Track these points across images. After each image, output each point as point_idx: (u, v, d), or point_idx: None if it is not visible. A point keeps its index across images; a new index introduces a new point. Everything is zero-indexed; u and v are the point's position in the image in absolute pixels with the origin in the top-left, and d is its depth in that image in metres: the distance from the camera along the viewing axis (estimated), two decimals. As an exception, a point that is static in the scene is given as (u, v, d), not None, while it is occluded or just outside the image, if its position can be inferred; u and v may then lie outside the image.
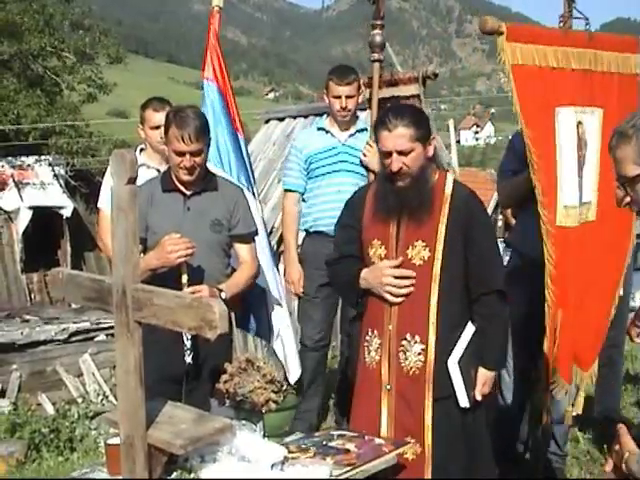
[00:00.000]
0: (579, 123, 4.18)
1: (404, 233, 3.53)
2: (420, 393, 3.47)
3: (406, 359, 3.49)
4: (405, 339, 3.49)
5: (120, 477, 2.63)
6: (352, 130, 5.23)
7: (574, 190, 4.17)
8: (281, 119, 10.64)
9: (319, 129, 5.29)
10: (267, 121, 10.90)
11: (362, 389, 3.64)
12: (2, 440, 7.57)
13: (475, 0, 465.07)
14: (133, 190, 2.42)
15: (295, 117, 10.37)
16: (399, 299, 3.49)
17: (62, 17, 22.30)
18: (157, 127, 4.68)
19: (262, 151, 10.18)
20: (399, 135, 3.43)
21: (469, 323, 3.56)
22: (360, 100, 5.22)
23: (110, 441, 2.86)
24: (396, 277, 3.48)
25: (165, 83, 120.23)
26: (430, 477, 3.45)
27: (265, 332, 5.23)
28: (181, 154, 3.87)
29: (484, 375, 3.55)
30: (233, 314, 5.36)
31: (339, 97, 5.09)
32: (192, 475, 2.70)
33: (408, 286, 3.47)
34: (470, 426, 3.57)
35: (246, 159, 5.26)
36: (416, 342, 3.47)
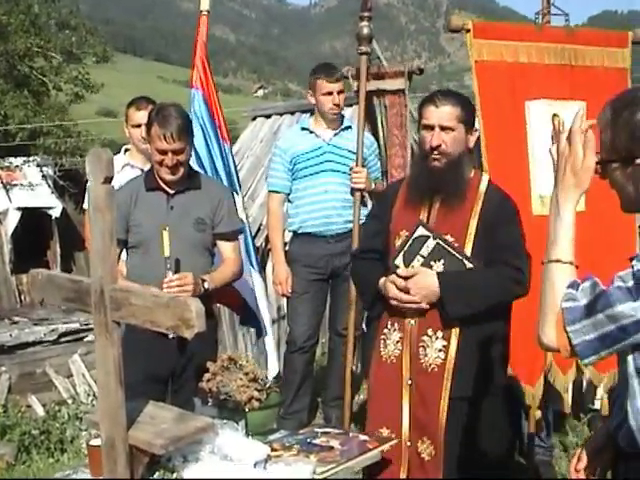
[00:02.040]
0: (554, 115, 4.20)
1: (434, 225, 3.49)
2: (437, 391, 3.42)
3: (426, 355, 3.44)
4: (426, 335, 3.45)
5: (102, 478, 2.62)
6: (337, 129, 5.22)
7: (550, 180, 4.17)
8: (268, 116, 10.64)
9: (303, 129, 5.28)
10: (254, 118, 10.91)
11: (380, 384, 3.59)
12: (-8, 442, 7.55)
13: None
14: (109, 190, 2.41)
15: (282, 114, 10.38)
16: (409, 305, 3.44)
17: (48, 17, 22.24)
18: (138, 125, 4.68)
19: (249, 148, 10.18)
20: (445, 111, 3.44)
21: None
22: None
23: (92, 442, 2.85)
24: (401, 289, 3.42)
25: (154, 82, 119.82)
26: (442, 477, 3.40)
27: (259, 328, 5.34)
28: (163, 152, 3.86)
29: (427, 280, 3.37)
30: (235, 314, 5.43)
31: (330, 94, 5.07)
32: (174, 475, 2.69)
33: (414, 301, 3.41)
34: (485, 427, 3.50)
35: (232, 168, 5.29)
36: (437, 338, 3.42)
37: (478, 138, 3.68)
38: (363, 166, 4.95)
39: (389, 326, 3.55)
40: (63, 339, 10.42)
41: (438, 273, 3.38)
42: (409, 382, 3.47)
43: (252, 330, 9.07)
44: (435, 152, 3.46)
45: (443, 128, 3.44)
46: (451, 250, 3.41)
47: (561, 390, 4.45)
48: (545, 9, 4.41)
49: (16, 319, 11.21)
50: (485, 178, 3.61)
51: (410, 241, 3.43)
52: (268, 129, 10.32)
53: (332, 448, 3.08)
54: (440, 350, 3.42)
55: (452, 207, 3.46)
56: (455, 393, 3.40)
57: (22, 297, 16.03)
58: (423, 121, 3.51)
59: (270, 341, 5.39)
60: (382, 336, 3.57)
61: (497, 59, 4.16)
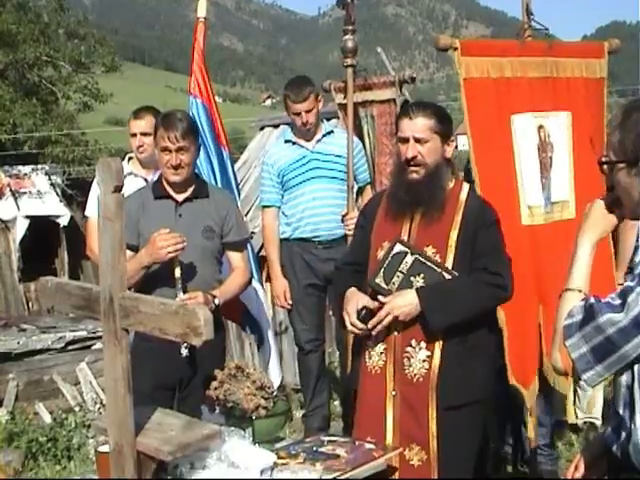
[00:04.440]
0: (540, 127, 4.33)
1: (415, 237, 3.52)
2: (424, 401, 3.43)
3: (410, 366, 3.46)
4: (410, 345, 3.46)
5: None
6: (318, 136, 5.28)
7: (537, 191, 4.34)
8: (276, 126, 10.66)
9: (286, 141, 5.36)
10: (262, 128, 10.93)
11: (366, 395, 3.61)
12: (-1, 449, 7.57)
13: (471, 5, 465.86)
14: (119, 199, 2.43)
15: (289, 123, 10.39)
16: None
17: (57, 26, 22.33)
18: (134, 134, 4.75)
19: (257, 158, 10.18)
20: (419, 123, 3.48)
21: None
22: (321, 106, 5.28)
23: (100, 448, 2.87)
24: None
25: (162, 91, 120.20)
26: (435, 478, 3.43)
27: (261, 336, 5.41)
28: (168, 151, 3.92)
29: (405, 298, 3.41)
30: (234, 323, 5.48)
31: (298, 114, 5.14)
32: (181, 482, 2.71)
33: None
34: (476, 435, 3.55)
35: (231, 175, 5.33)
36: (421, 349, 3.44)
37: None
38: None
39: (373, 337, 3.56)
40: (70, 347, 10.40)
41: (417, 288, 3.42)
42: (393, 393, 3.50)
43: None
44: (412, 164, 3.50)
45: (418, 140, 3.48)
46: (429, 264, 3.44)
47: (564, 393, 4.46)
48: (526, 23, 4.49)
49: (24, 327, 11.20)
50: (465, 187, 3.64)
51: (389, 258, 3.45)
52: (275, 139, 10.34)
53: (338, 456, 3.08)
54: (424, 361, 3.44)
55: (432, 218, 3.50)
56: (442, 402, 3.42)
57: (30, 305, 16.06)
58: (398, 134, 3.57)
59: (273, 352, 5.44)
60: (367, 347, 3.60)
61: (484, 75, 4.24)
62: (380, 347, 3.54)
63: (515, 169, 4.28)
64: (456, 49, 4.20)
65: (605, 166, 2.24)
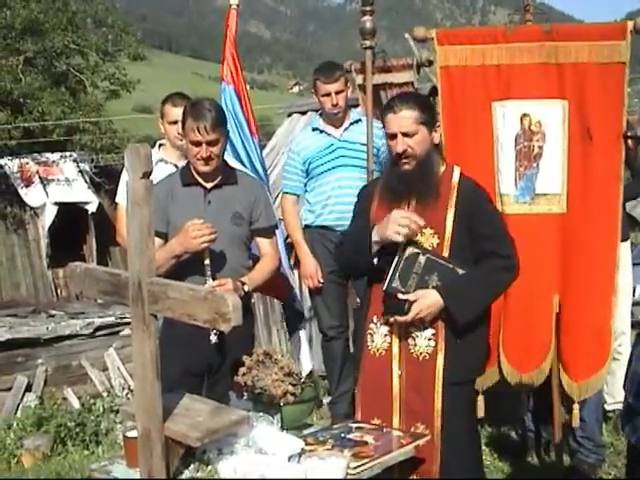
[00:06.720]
0: (524, 115, 4.25)
1: None
2: (431, 378, 3.50)
3: (415, 345, 3.53)
4: (414, 325, 3.52)
5: (138, 469, 2.66)
6: (346, 124, 5.27)
7: (510, 180, 4.29)
8: (303, 112, 10.65)
9: (314, 130, 5.34)
10: (289, 115, 10.93)
11: (369, 377, 3.66)
12: (29, 434, 7.67)
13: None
14: (148, 184, 2.44)
15: (317, 110, 10.38)
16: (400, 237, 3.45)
17: (84, 15, 22.41)
18: (175, 122, 4.70)
19: (285, 145, 10.19)
20: (403, 117, 3.53)
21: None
22: (350, 94, 5.26)
23: (128, 434, 2.88)
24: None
25: (190, 78, 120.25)
26: (439, 463, 3.47)
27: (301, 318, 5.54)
28: (198, 144, 3.89)
29: (430, 299, 3.46)
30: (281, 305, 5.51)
31: (328, 95, 5.12)
32: (209, 467, 2.71)
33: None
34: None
35: (259, 163, 5.34)
36: (427, 327, 3.50)
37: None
38: (376, 156, 5.01)
39: (375, 321, 3.63)
40: (99, 333, 10.51)
41: (437, 288, 3.47)
42: (398, 373, 3.56)
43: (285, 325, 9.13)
44: (403, 157, 3.55)
45: (405, 134, 3.53)
46: (442, 261, 3.50)
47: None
48: (525, 8, 4.47)
49: (53, 312, 11.33)
50: (457, 170, 3.67)
51: (402, 262, 3.49)
52: (304, 125, 10.32)
53: (366, 443, 3.10)
54: (430, 339, 3.52)
55: (427, 203, 3.56)
56: (449, 378, 3.49)
57: (58, 291, 16.20)
58: (386, 130, 3.63)
59: (303, 338, 5.45)
60: (368, 331, 3.66)
61: (462, 64, 4.28)
62: (383, 329, 3.60)
63: (494, 157, 4.30)
64: (432, 39, 4.34)
65: (630, 141, 2.20)
